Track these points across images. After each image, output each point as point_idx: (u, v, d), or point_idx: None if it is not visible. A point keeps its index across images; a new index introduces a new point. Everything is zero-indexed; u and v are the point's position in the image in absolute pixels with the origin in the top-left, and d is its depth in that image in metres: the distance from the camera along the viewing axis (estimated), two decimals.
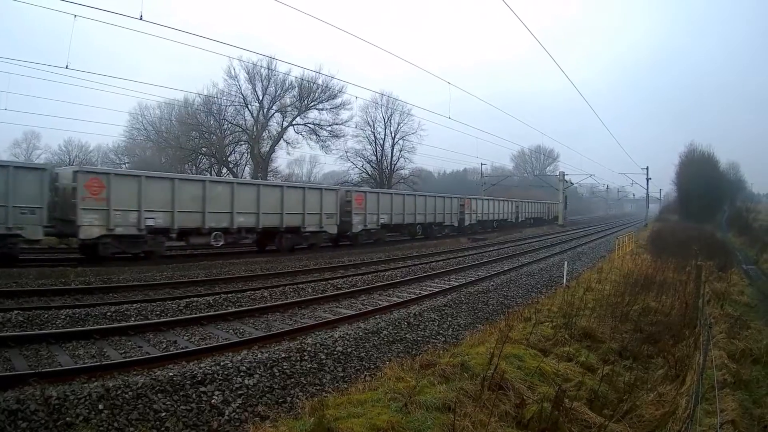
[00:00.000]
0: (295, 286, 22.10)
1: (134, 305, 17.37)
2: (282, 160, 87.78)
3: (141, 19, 22.12)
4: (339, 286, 22.89)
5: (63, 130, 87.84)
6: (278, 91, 75.36)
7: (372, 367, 13.14)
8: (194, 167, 78.45)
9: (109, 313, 16.24)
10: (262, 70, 72.21)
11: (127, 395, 9.72)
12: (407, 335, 15.86)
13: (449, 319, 18.27)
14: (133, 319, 16.03)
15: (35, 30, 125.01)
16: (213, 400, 10.22)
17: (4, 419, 8.53)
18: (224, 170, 77.76)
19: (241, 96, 74.26)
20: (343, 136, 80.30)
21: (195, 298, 18.85)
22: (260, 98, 74.77)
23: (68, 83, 53.45)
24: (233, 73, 72.62)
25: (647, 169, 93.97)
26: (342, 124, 79.08)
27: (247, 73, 72.72)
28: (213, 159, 78.93)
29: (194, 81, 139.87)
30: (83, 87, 59.79)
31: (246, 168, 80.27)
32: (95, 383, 10.10)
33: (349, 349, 13.78)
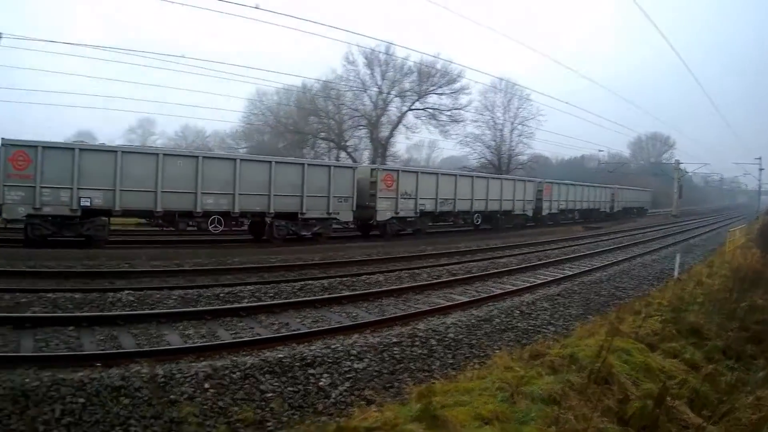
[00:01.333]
0: (410, 271, 22.11)
1: (248, 287, 17.60)
2: (401, 144, 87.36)
3: (257, 8, 22.33)
4: (454, 272, 22.71)
5: (179, 116, 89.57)
6: (397, 76, 74.66)
7: (482, 355, 12.90)
8: (312, 151, 78.54)
9: (222, 295, 16.52)
10: (381, 55, 71.56)
11: (234, 375, 9.85)
12: (519, 324, 15.62)
13: (561, 309, 17.95)
14: (246, 300, 16.18)
15: (149, 21, 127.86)
16: (321, 383, 10.25)
17: (106, 395, 8.68)
18: (343, 154, 77.65)
19: (359, 81, 74.01)
20: (462, 121, 78.77)
21: (310, 281, 18.98)
22: (379, 83, 74.35)
23: (185, 71, 54.33)
24: (351, 59, 72.43)
25: (760, 159, 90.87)
26: (461, 109, 77.35)
27: (366, 59, 72.40)
28: (332, 143, 79.01)
29: (312, 67, 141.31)
30: (199, 75, 60.76)
31: (365, 152, 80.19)
32: (203, 362, 10.33)
33: (460, 336, 13.64)
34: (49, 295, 14.99)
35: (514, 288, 19.68)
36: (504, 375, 9.01)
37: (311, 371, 10.51)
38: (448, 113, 76.79)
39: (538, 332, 15.25)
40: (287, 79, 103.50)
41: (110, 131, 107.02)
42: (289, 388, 9.87)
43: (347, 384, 10.40)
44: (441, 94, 75.81)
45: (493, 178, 50.59)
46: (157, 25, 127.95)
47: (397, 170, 40.03)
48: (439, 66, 72.80)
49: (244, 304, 15.44)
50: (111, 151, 26.76)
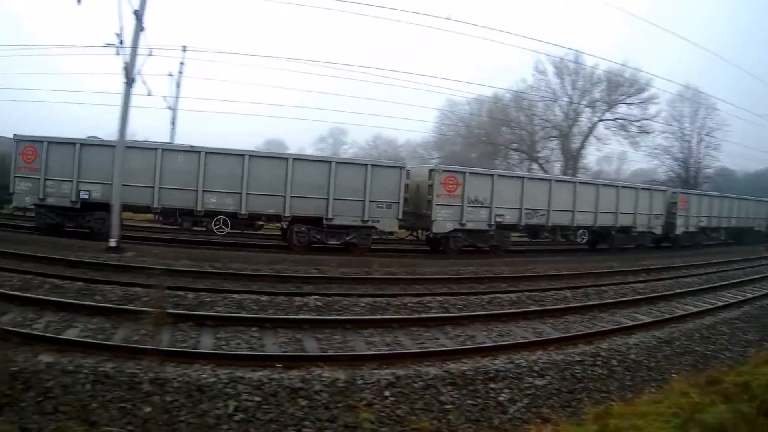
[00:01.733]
0: (597, 288, 21.66)
1: (437, 298, 17.55)
2: (591, 157, 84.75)
3: (449, 19, 22.52)
4: (640, 290, 22.12)
5: (372, 126, 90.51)
6: (587, 86, 73.23)
7: (659, 378, 12.73)
8: (505, 163, 77.55)
9: (410, 304, 16.53)
10: (569, 64, 70.23)
11: (416, 385, 9.99)
12: (697, 348, 15.21)
13: (739, 333, 17.36)
14: (433, 311, 16.19)
15: (340, 33, 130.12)
16: (500, 398, 10.24)
17: (284, 395, 9.01)
18: (534, 166, 76.69)
19: (550, 91, 73.18)
20: (651, 132, 75.87)
21: (498, 294, 18.75)
22: (569, 93, 73.30)
23: (377, 82, 54.86)
24: (541, 68, 71.80)
25: None
26: (650, 119, 74.36)
27: (555, 68, 71.59)
28: (524, 155, 78.13)
29: (502, 76, 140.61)
30: (391, 85, 61.11)
31: (557, 164, 78.51)
32: (386, 370, 10.44)
33: (640, 358, 13.38)
34: (235, 296, 15.60)
35: (696, 309, 19.00)
36: (679, 401, 9.07)
37: (492, 385, 10.50)
38: (638, 124, 74.74)
39: (716, 357, 14.93)
40: (478, 89, 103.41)
41: (302, 140, 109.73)
42: (469, 401, 9.91)
43: (526, 401, 10.36)
44: (630, 104, 73.89)
45: (606, 185, 40.58)
46: (349, 38, 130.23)
47: (463, 172, 32.23)
48: (627, 74, 70.85)
49: (431, 315, 15.52)
50: (109, 146, 26.62)
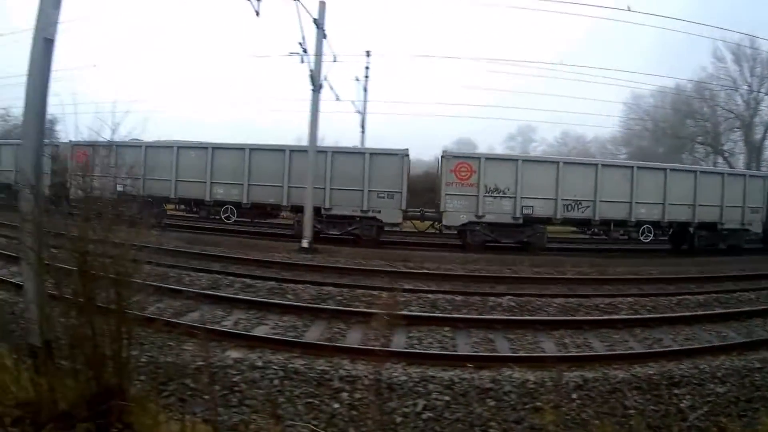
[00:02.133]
0: None
1: (627, 299, 17.48)
2: None
3: (629, 10, 22.58)
4: None
5: (559, 123, 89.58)
6: (765, 72, 68.46)
7: None
8: (691, 157, 74.18)
9: (602, 305, 16.55)
10: (746, 49, 65.71)
11: (603, 388, 10.00)
12: None
13: None
14: (623, 312, 16.16)
15: (523, 31, 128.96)
16: (681, 404, 10.10)
17: (473, 395, 9.28)
18: (720, 159, 72.48)
19: (730, 79, 69.03)
20: None
21: (687, 296, 18.48)
22: (748, 80, 69.21)
23: (562, 78, 54.49)
24: (719, 55, 68.42)
25: None
26: None
27: (733, 54, 67.76)
28: (709, 148, 74.43)
29: (684, 66, 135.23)
30: (576, 81, 59.94)
31: (741, 157, 73.16)
32: (575, 372, 10.47)
33: None
34: (429, 295, 16.06)
35: None
36: None
37: (676, 391, 10.38)
38: None
39: None
40: (661, 81, 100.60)
41: (491, 139, 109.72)
42: (650, 407, 9.83)
43: (706, 408, 10.14)
44: None
45: (676, 170, 32.44)
46: (533, 35, 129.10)
47: (478, 157, 29.68)
48: None
49: (621, 316, 15.48)
50: (138, 146, 29.87)
